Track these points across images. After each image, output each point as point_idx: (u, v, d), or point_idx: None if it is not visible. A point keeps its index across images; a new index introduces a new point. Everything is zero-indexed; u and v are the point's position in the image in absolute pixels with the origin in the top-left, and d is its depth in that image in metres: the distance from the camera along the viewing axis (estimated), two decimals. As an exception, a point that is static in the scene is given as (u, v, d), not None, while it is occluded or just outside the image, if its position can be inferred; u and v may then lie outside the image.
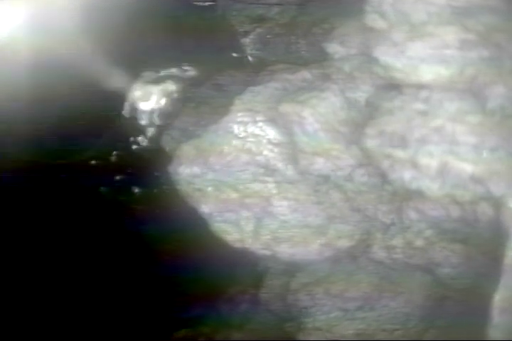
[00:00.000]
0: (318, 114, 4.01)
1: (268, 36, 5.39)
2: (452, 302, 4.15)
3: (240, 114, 4.52)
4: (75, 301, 5.00)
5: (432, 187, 3.56)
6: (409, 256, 4.13)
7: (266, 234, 4.54)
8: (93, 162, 5.42)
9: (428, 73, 3.77)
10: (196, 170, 4.68)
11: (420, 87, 3.80)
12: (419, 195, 3.66)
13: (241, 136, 4.53)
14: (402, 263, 4.24)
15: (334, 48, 4.37)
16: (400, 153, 3.65)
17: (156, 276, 5.10)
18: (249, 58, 5.50)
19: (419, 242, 3.99)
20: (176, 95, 5.61)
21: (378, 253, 4.34)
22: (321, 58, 4.56)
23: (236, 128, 4.54)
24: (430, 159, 3.57)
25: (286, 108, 4.12)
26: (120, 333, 4.84)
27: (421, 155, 3.60)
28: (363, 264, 4.50)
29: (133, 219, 5.25)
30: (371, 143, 3.82)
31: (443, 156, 3.54)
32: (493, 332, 3.91)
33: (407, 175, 3.60)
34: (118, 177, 5.40)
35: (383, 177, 3.92)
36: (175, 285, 5.06)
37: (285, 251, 4.55)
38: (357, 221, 4.41)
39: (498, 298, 3.97)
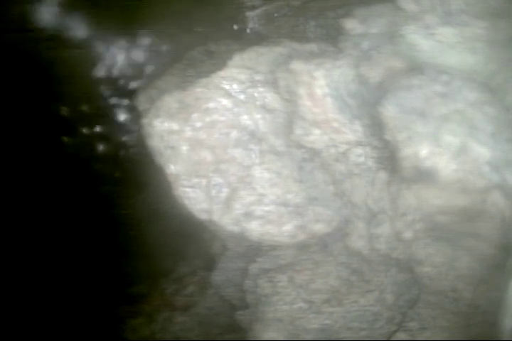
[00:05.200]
0: (331, 79, 3.68)
1: (275, 15, 5.04)
2: (425, 305, 3.88)
3: (236, 71, 4.08)
4: None
5: (448, 167, 3.32)
6: (391, 248, 3.83)
7: (238, 207, 4.07)
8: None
9: (453, 60, 3.62)
10: (174, 125, 4.15)
11: (441, 71, 3.62)
12: (429, 176, 3.40)
13: (233, 94, 4.09)
14: (380, 256, 3.93)
15: (352, 25, 4.08)
16: (419, 127, 3.39)
17: (100, 244, 4.42)
18: (249, 31, 5.11)
19: (407, 234, 3.71)
20: (160, 54, 5.07)
21: (356, 243, 4.00)
22: (334, 34, 4.26)
23: (229, 86, 4.10)
24: (452, 137, 3.34)
25: (297, 65, 3.74)
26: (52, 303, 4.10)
27: (442, 132, 3.36)
28: (334, 254, 4.13)
29: (90, 177, 4.54)
30: (385, 113, 3.53)
31: (463, 137, 3.32)
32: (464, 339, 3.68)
33: (424, 150, 3.34)
34: (82, 130, 4.68)
35: (387, 154, 3.63)
36: (119, 256, 4.40)
37: (255, 229, 4.09)
38: (338, 206, 4.07)
39: (472, 304, 3.78)
